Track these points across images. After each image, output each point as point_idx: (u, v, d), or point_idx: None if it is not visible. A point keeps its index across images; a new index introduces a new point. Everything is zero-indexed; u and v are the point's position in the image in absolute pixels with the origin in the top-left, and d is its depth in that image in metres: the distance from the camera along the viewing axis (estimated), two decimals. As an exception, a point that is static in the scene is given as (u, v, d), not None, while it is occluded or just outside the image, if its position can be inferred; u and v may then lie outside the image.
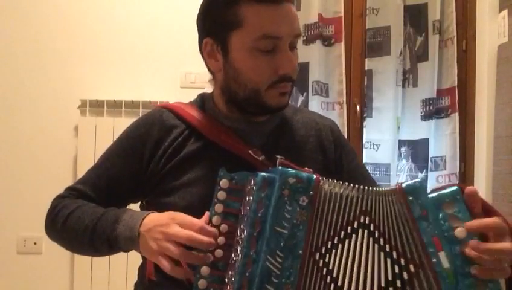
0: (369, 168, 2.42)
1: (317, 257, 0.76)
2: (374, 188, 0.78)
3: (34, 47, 2.50)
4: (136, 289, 1.05)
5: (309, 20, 2.42)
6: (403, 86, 2.44)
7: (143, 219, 0.87)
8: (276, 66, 0.93)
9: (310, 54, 2.41)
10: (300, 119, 1.09)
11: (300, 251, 0.74)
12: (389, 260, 0.75)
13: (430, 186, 2.41)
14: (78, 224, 0.94)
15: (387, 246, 0.75)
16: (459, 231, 0.73)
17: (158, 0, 2.54)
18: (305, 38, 2.42)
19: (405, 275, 0.74)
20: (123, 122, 2.35)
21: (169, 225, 0.82)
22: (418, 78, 2.45)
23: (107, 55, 2.51)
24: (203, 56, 1.01)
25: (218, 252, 0.80)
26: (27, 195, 2.42)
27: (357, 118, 2.45)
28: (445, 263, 0.72)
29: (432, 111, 2.41)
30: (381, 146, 2.42)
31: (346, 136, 2.39)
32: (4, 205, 2.43)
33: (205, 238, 0.79)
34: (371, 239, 0.76)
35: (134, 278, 1.06)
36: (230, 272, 0.78)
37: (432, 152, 2.42)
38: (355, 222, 0.77)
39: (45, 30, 2.51)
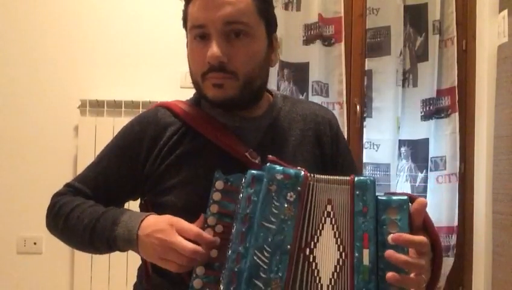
0: (369, 168, 2.42)
1: (307, 252, 0.77)
2: (335, 177, 0.81)
3: (34, 47, 2.50)
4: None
5: (309, 20, 2.42)
6: (403, 86, 2.44)
7: (141, 221, 0.88)
8: (205, 56, 0.94)
9: (310, 54, 2.41)
10: (300, 111, 1.08)
11: (289, 246, 0.76)
12: (335, 246, 0.78)
13: (430, 186, 2.42)
14: (78, 223, 0.95)
15: (337, 232, 0.79)
16: (392, 237, 0.77)
17: (158, 0, 2.54)
18: (305, 38, 2.42)
19: (341, 261, 0.77)
20: (123, 122, 2.31)
21: (168, 232, 0.83)
22: (418, 78, 2.45)
23: (107, 55, 2.51)
24: None
25: (213, 252, 0.81)
26: (27, 195, 2.42)
27: (357, 118, 2.45)
28: (366, 261, 0.76)
29: (432, 111, 2.41)
30: (381, 146, 2.42)
31: (346, 136, 2.39)
32: (4, 205, 2.43)
33: (211, 237, 0.81)
34: (331, 226, 0.79)
35: (134, 278, 1.07)
36: (223, 270, 0.79)
37: (432, 152, 2.42)
38: (325, 212, 0.80)
39: (45, 30, 2.51)
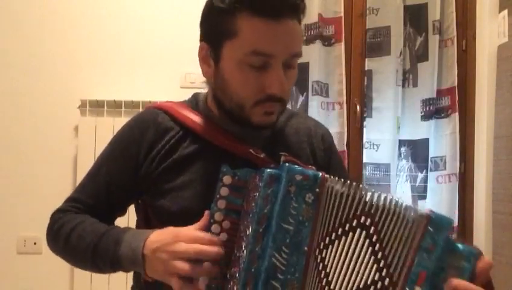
0: (369, 168, 2.42)
1: (317, 252, 0.76)
2: (399, 201, 0.77)
3: (34, 47, 2.50)
4: (132, 292, 1.05)
5: (309, 20, 2.42)
6: (403, 86, 2.44)
7: (145, 239, 0.85)
8: (264, 84, 0.89)
9: (310, 54, 2.41)
10: (294, 125, 1.07)
11: (306, 248, 0.75)
12: (375, 265, 0.75)
13: (430, 186, 2.42)
14: (80, 243, 0.92)
15: (380, 253, 0.75)
16: (452, 282, 0.72)
17: (158, 0, 2.54)
18: (305, 38, 2.42)
19: (379, 284, 0.74)
20: (123, 122, 2.32)
21: (174, 244, 0.80)
22: (418, 78, 2.46)
23: (107, 55, 2.51)
24: (199, 59, 1.00)
25: (220, 249, 0.79)
26: (27, 195, 2.42)
27: (357, 118, 2.45)
28: None
29: (432, 111, 2.42)
30: (381, 146, 2.42)
31: (346, 136, 2.39)
32: (4, 205, 2.43)
33: (213, 249, 0.78)
34: (367, 241, 0.75)
35: (134, 278, 1.06)
36: (233, 268, 0.78)
37: (432, 152, 2.42)
38: (354, 221, 0.76)
39: (45, 30, 2.51)
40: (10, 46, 2.49)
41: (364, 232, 0.76)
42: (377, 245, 0.75)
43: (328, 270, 0.75)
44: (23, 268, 2.42)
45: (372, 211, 0.76)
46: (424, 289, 0.72)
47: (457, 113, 2.39)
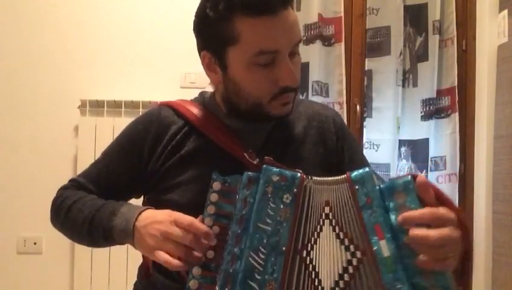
0: (369, 168, 2.42)
1: (304, 254, 0.76)
2: (329, 178, 0.79)
3: (34, 47, 2.50)
4: (136, 289, 1.06)
5: (309, 20, 2.42)
6: (403, 86, 2.44)
7: (139, 213, 0.88)
8: (276, 79, 0.90)
9: (310, 54, 2.41)
10: (303, 111, 1.07)
11: (284, 248, 0.75)
12: (343, 248, 0.76)
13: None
14: (79, 215, 0.96)
15: (341, 233, 0.76)
16: (399, 222, 0.72)
17: (158, 0, 2.54)
18: (305, 38, 2.42)
19: (354, 261, 0.75)
20: (123, 122, 2.33)
21: (166, 223, 0.83)
22: (418, 78, 2.45)
23: (107, 55, 2.51)
24: (203, 68, 1.00)
25: (210, 253, 0.80)
26: (27, 195, 2.42)
27: (357, 118, 2.45)
28: (386, 252, 0.72)
29: (432, 111, 2.41)
30: (381, 146, 2.42)
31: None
32: (4, 205, 2.43)
33: (204, 227, 0.80)
34: (331, 228, 0.77)
35: (134, 278, 1.07)
36: (219, 272, 0.79)
37: (432, 152, 2.42)
38: (323, 214, 0.78)
39: (45, 30, 2.51)
40: (10, 46, 2.50)
41: (328, 222, 0.78)
42: (336, 227, 0.77)
43: (317, 269, 0.76)
44: (23, 268, 2.43)
45: (329, 199, 0.78)
46: (388, 238, 0.72)
47: (457, 113, 2.38)
